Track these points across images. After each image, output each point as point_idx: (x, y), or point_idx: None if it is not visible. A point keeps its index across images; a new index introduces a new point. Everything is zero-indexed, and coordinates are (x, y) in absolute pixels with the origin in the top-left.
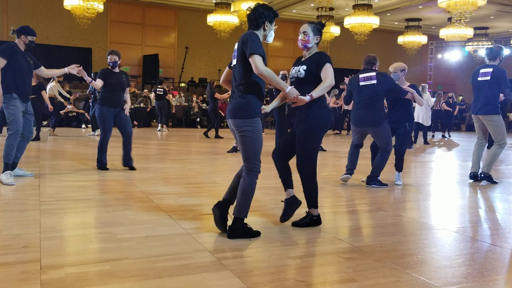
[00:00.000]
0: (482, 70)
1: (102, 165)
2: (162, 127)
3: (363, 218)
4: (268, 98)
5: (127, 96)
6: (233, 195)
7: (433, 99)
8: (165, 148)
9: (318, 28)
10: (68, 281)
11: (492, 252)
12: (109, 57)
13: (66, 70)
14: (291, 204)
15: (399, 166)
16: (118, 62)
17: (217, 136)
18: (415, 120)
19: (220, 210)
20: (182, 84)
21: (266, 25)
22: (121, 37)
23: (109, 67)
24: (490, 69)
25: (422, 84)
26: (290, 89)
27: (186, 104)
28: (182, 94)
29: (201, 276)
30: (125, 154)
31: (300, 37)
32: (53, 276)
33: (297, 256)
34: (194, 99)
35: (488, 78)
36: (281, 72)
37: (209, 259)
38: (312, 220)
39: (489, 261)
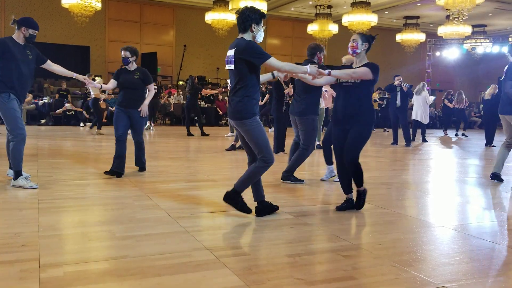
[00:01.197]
0: (505, 69)
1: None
2: (151, 124)
3: (361, 216)
4: (268, 95)
5: (149, 94)
6: (259, 192)
7: (432, 97)
8: (163, 146)
9: (368, 37)
10: (67, 280)
11: (491, 249)
12: (121, 53)
13: (74, 75)
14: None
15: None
16: (131, 59)
17: (203, 134)
18: (413, 118)
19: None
20: (180, 82)
21: (253, 27)
22: (119, 35)
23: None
24: (507, 67)
25: (423, 82)
26: (310, 67)
27: (185, 102)
28: (181, 92)
29: (200, 274)
30: (135, 158)
31: (350, 44)
32: (52, 275)
33: (296, 254)
34: None
35: (503, 76)
36: None
37: (208, 257)
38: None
39: (488, 258)
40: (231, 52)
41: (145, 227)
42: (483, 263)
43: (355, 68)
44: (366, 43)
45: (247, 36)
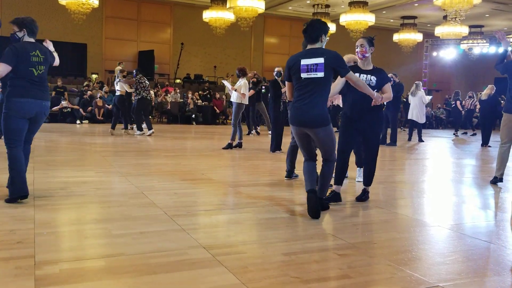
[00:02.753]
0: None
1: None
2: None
3: (357, 215)
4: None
5: None
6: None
7: (428, 97)
8: (160, 144)
9: (371, 40)
10: (63, 277)
11: (486, 249)
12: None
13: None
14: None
15: (360, 164)
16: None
17: (126, 127)
18: (409, 117)
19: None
20: (178, 81)
21: (323, 38)
22: (116, 32)
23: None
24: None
25: (416, 82)
26: (376, 93)
27: (182, 100)
28: (178, 91)
29: (196, 272)
30: None
31: (358, 49)
32: (47, 272)
33: (292, 253)
34: (190, 95)
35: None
36: (276, 69)
37: (204, 255)
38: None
39: (483, 258)
40: (317, 60)
41: (141, 225)
42: (478, 263)
43: (368, 70)
44: (372, 47)
45: (319, 45)
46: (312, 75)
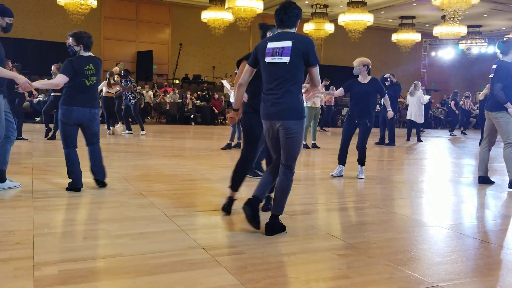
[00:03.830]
0: (493, 67)
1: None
2: (113, 127)
3: (356, 215)
4: None
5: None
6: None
7: (426, 97)
8: (159, 145)
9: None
10: (61, 278)
11: (485, 249)
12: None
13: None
14: None
15: (361, 161)
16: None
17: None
18: (408, 117)
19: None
20: (176, 81)
21: (297, 24)
22: (115, 33)
23: None
24: (495, 66)
25: (415, 82)
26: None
27: (180, 101)
28: (176, 91)
29: (195, 272)
30: None
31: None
32: (46, 273)
33: (291, 253)
34: (188, 95)
35: (492, 75)
36: None
37: (203, 256)
38: None
39: (482, 258)
40: (284, 44)
41: (140, 225)
42: (477, 262)
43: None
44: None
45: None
46: (277, 59)
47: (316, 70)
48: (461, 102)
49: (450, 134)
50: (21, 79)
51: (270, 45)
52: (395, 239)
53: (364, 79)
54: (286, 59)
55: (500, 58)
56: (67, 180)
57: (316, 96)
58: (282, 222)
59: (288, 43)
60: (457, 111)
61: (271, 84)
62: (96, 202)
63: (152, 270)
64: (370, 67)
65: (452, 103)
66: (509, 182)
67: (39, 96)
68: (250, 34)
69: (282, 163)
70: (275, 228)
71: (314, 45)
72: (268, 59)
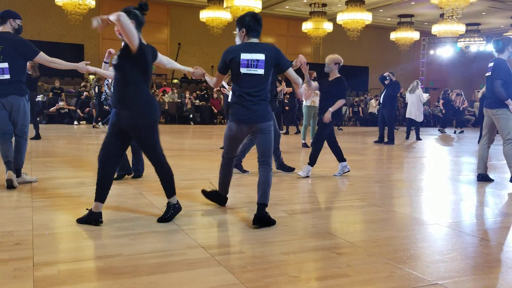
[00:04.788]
0: (489, 65)
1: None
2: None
3: (355, 213)
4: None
5: None
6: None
7: (425, 95)
8: None
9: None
10: (61, 278)
11: (484, 246)
12: None
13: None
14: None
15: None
16: None
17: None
18: (407, 116)
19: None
20: (175, 81)
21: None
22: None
23: None
24: (492, 64)
25: (416, 80)
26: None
27: (179, 100)
28: (175, 91)
29: (195, 272)
30: None
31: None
32: (46, 273)
33: (290, 252)
34: (187, 95)
35: (490, 73)
36: None
37: (202, 255)
38: None
39: (481, 255)
40: (258, 56)
41: (139, 225)
42: (476, 260)
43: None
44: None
45: (257, 40)
46: (252, 71)
47: (291, 71)
48: (454, 100)
49: (440, 131)
50: (79, 64)
51: (244, 56)
52: (395, 238)
53: (332, 77)
54: (261, 71)
55: (496, 56)
56: (67, 181)
57: (315, 94)
58: (282, 221)
59: (261, 56)
60: (443, 110)
61: (247, 90)
62: None
63: (152, 270)
64: (341, 64)
65: (441, 102)
66: (511, 178)
67: (38, 96)
68: None
69: (260, 160)
70: (263, 220)
71: (281, 52)
72: (243, 70)
